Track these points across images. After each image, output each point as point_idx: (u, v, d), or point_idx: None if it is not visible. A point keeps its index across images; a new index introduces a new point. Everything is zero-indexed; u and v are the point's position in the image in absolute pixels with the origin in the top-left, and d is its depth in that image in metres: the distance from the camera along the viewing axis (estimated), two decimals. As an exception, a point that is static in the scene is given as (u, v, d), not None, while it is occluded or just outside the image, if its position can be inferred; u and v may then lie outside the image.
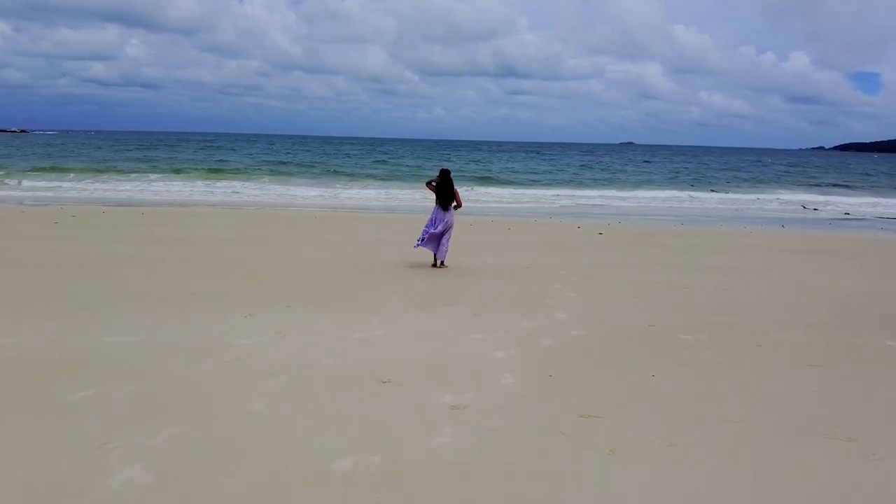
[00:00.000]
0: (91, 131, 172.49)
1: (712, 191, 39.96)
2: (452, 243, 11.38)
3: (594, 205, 29.82)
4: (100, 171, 37.52)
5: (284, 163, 52.26)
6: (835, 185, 47.50)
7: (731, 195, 38.20)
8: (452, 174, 11.47)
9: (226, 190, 31.45)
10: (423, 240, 11.08)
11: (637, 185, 42.68)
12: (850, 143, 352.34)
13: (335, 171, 46.38)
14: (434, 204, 11.26)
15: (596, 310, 8.26)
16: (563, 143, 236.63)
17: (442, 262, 11.11)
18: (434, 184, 11.24)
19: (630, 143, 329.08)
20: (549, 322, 7.49)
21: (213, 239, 13.88)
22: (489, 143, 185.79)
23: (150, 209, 21.01)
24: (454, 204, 11.21)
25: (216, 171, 40.89)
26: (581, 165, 63.53)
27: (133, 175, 36.87)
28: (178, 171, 39.84)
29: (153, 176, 36.90)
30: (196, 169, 42.25)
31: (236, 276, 9.83)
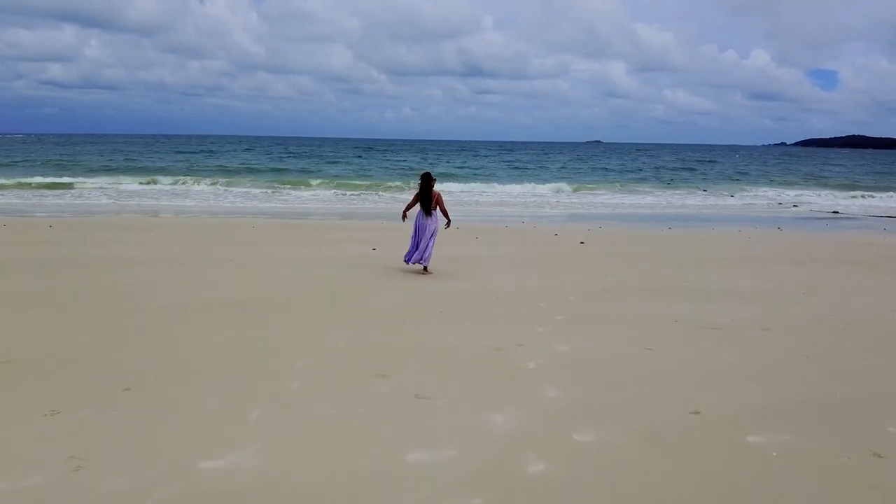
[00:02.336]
0: (52, 134, 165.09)
1: (702, 190, 38.01)
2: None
3: (569, 207, 27.35)
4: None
5: (235, 169, 48.85)
6: (812, 181, 46.19)
7: (711, 193, 36.49)
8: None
9: (160, 196, 28.20)
10: (411, 256, 10.36)
11: (613, 183, 40.54)
12: (811, 139, 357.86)
13: (286, 172, 43.38)
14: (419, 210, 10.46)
15: (602, 380, 5.50)
16: (531, 143, 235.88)
17: (425, 269, 10.27)
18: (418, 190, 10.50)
19: (597, 142, 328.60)
20: (533, 411, 4.75)
21: (104, 261, 10.83)
22: (459, 143, 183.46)
23: (59, 220, 17.95)
24: (436, 214, 10.43)
25: (158, 174, 37.60)
26: (550, 165, 61.24)
27: (63, 180, 33.37)
28: (124, 175, 36.55)
29: (90, 182, 33.48)
30: (156, 172, 38.99)
31: (90, 327, 6.89)
